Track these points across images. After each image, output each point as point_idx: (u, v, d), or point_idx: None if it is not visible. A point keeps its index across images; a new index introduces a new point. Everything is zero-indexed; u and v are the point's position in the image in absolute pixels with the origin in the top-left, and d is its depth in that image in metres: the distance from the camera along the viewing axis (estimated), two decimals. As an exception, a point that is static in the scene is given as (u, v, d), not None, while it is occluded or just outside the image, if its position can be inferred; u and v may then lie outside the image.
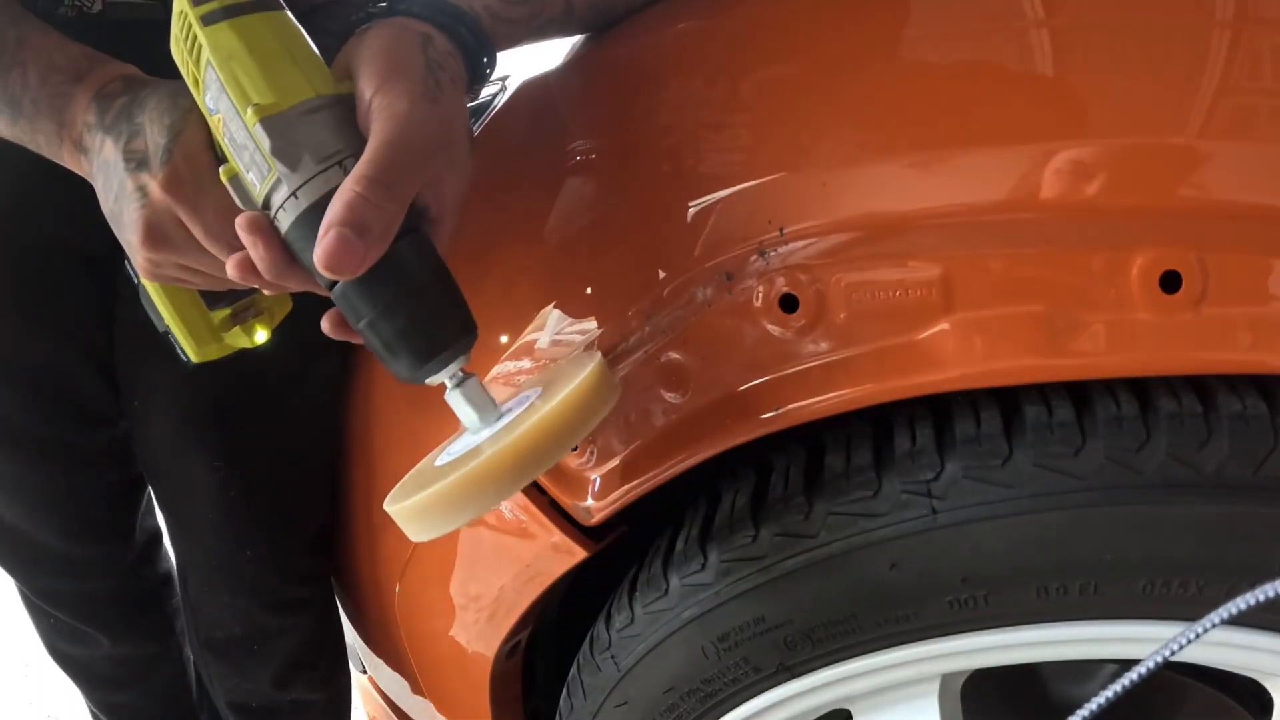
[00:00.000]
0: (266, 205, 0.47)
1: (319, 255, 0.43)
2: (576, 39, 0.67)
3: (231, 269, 0.48)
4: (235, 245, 0.49)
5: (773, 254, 0.50)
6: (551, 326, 0.58)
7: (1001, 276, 0.48)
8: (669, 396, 0.55)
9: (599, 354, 0.52)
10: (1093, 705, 0.43)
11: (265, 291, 0.52)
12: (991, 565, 0.50)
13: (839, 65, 0.52)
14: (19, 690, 1.77)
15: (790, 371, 0.51)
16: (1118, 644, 0.52)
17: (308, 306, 0.63)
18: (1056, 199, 0.47)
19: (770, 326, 0.51)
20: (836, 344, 0.50)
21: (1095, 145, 0.47)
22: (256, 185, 0.47)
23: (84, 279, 0.68)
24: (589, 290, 0.56)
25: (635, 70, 0.59)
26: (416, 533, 0.48)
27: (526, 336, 0.60)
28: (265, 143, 0.45)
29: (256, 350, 0.63)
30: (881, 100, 0.50)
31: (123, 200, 0.51)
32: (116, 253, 0.67)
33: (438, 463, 0.52)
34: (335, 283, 0.46)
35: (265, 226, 0.46)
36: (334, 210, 0.43)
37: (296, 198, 0.45)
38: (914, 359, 0.48)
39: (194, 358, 0.60)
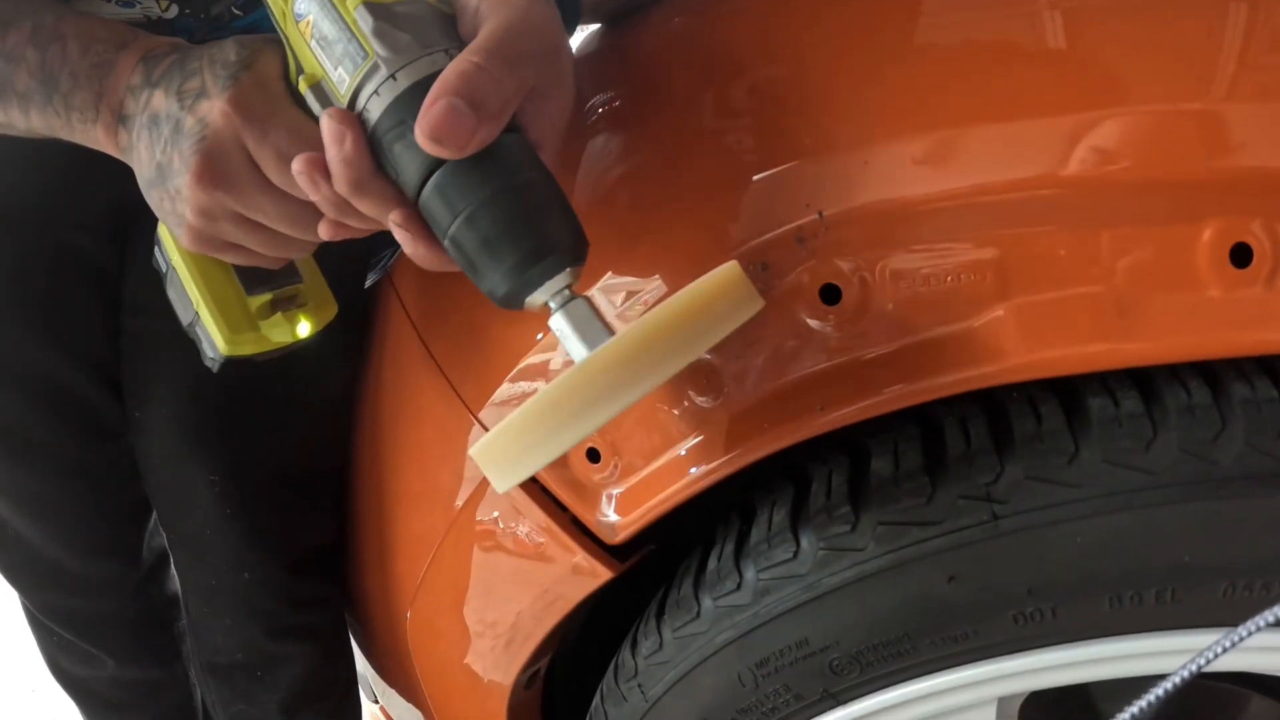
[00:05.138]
0: (353, 103, 0.43)
1: (424, 124, 0.39)
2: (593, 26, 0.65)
3: (299, 165, 0.43)
4: None
5: (812, 240, 0.47)
6: None
7: (1059, 257, 0.45)
8: (699, 400, 0.51)
9: (735, 262, 0.45)
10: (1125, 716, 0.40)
11: (325, 218, 0.46)
12: (1059, 574, 0.46)
13: (878, 32, 0.49)
14: (25, 714, 1.74)
15: (833, 368, 0.47)
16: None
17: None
18: (1114, 171, 0.44)
19: (810, 320, 0.47)
20: (884, 336, 0.46)
21: (1155, 112, 0.44)
22: (346, 79, 0.43)
23: (91, 288, 0.66)
24: (612, 279, 0.52)
25: (658, 48, 0.56)
26: (500, 475, 0.41)
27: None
28: (367, 23, 0.42)
29: (263, 362, 0.58)
30: (926, 70, 0.47)
31: (175, 144, 0.47)
32: (124, 261, 0.67)
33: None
34: (421, 186, 0.42)
35: (354, 120, 0.42)
36: (447, 80, 0.40)
37: (395, 79, 0.42)
38: (969, 350, 0.45)
39: (224, 348, 0.54)
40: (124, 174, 0.53)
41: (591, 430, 0.39)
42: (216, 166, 0.46)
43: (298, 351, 0.62)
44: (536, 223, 0.41)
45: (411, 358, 0.65)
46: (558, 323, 0.43)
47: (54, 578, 0.74)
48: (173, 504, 0.71)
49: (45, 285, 0.64)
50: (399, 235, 0.44)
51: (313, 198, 0.44)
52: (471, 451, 0.42)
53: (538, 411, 0.39)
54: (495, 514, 0.60)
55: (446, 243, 0.42)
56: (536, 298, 0.42)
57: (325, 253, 0.60)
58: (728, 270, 0.42)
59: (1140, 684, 0.69)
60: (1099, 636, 0.48)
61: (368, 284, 0.75)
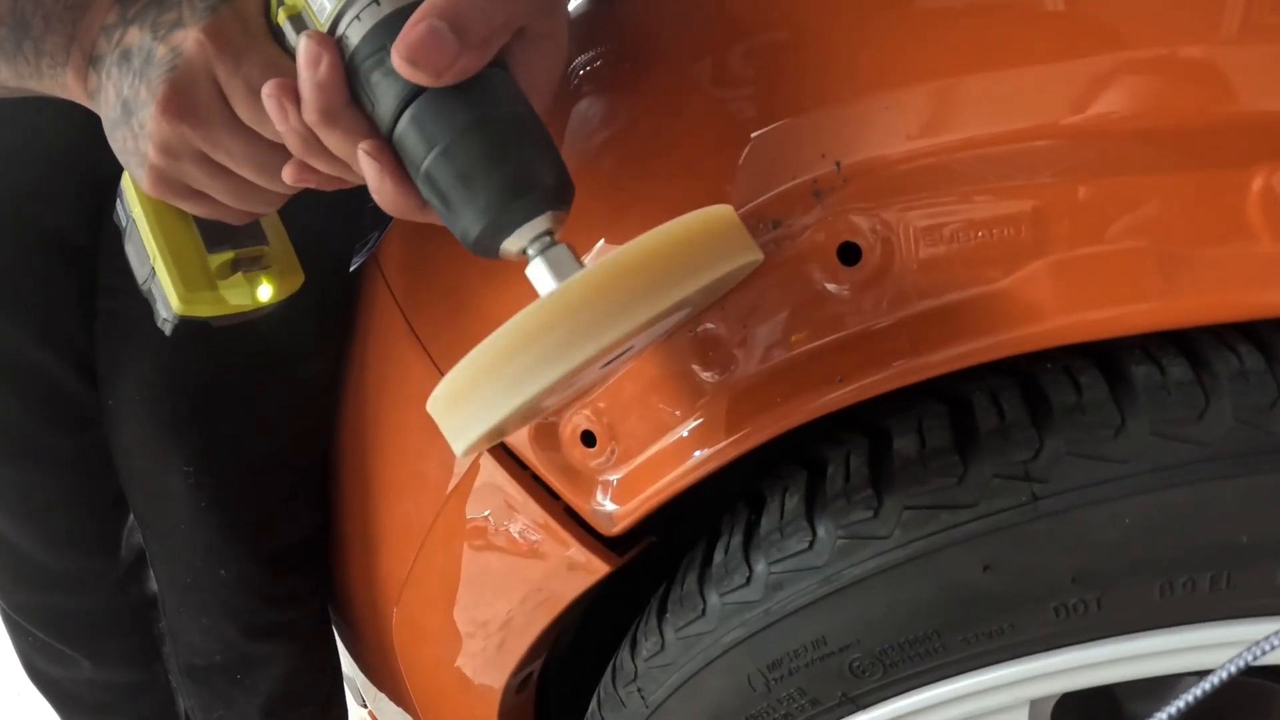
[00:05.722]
0: (333, 31, 0.41)
1: (402, 45, 0.37)
2: None
3: (269, 89, 0.41)
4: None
5: (828, 194, 0.43)
6: None
7: (1100, 209, 0.41)
8: (704, 375, 0.47)
9: (729, 205, 0.41)
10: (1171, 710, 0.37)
11: (290, 160, 0.44)
12: (1106, 559, 0.42)
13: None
14: (12, 716, 1.72)
15: (853, 336, 0.43)
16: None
17: (299, 300, 0.58)
18: (1159, 116, 0.40)
19: (827, 283, 0.43)
20: (908, 299, 0.42)
21: (1199, 53, 0.40)
22: (328, 7, 0.41)
23: (70, 272, 0.64)
24: (606, 242, 0.48)
25: (656, 2, 0.52)
26: (456, 431, 0.37)
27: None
28: None
29: (239, 343, 0.55)
30: (952, 4, 0.43)
31: (144, 75, 0.45)
32: (98, 241, 0.65)
33: None
34: (397, 120, 0.39)
35: (332, 43, 0.40)
36: (433, 2, 0.38)
37: (378, 3, 0.40)
38: (1005, 312, 0.41)
39: (178, 306, 0.51)
40: (97, 148, 0.50)
41: (557, 376, 0.35)
42: (184, 97, 0.44)
43: (275, 332, 0.59)
44: (515, 158, 0.38)
45: (396, 337, 0.61)
46: (535, 271, 0.39)
47: (29, 574, 0.72)
48: (147, 496, 0.68)
49: (29, 273, 0.62)
50: (367, 168, 0.41)
51: (280, 128, 0.42)
52: (428, 405, 0.38)
53: (494, 352, 0.35)
54: (485, 504, 0.56)
55: (420, 181, 0.39)
56: (513, 243, 0.39)
57: (309, 233, 0.58)
58: (718, 210, 0.39)
59: (1172, 682, 0.66)
60: (1148, 629, 0.44)
61: (353, 266, 0.72)
